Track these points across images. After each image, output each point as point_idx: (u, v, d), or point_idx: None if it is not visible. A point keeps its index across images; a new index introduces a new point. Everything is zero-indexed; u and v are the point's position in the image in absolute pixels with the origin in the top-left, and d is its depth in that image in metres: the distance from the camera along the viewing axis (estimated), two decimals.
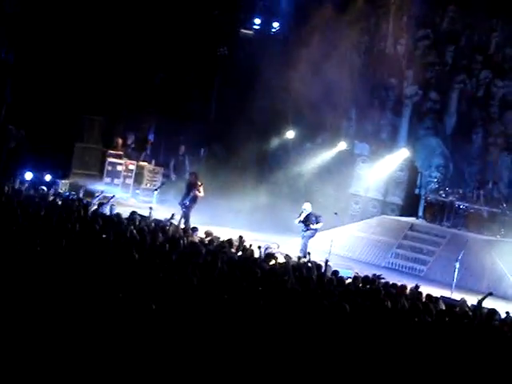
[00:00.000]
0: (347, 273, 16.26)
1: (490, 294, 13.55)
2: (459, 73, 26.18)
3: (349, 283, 13.87)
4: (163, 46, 25.73)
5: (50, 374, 7.13)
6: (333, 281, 13.47)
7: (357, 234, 23.33)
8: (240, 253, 15.12)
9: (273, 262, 14.81)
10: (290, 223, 21.19)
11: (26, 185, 18.61)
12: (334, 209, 22.42)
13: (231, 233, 17.43)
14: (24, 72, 23.38)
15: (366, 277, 14.41)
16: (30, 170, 20.60)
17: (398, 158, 25.61)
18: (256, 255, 14.87)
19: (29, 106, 23.34)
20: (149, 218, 16.95)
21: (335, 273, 14.74)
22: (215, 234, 16.73)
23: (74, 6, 23.87)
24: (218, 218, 21.47)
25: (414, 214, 24.87)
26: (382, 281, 14.39)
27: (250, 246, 15.80)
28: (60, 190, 20.90)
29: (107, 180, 24.93)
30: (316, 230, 19.86)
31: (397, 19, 27.20)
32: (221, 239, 15.95)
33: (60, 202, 16.88)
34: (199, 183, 20.61)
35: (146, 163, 26.11)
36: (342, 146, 26.47)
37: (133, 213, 16.58)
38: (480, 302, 12.73)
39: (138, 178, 25.66)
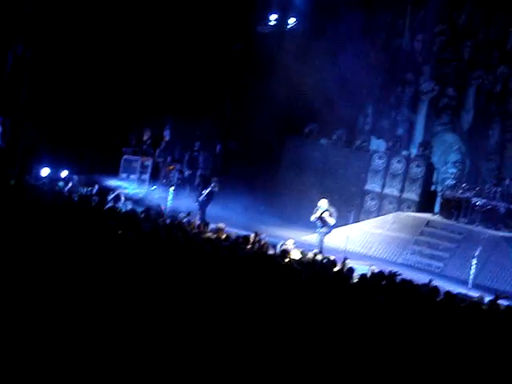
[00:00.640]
0: (363, 269, 16.19)
1: (507, 297, 13.50)
2: (476, 68, 26.05)
3: (365, 279, 13.79)
4: (179, 43, 25.74)
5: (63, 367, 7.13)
6: (349, 277, 13.42)
7: (373, 231, 23.25)
8: (256, 249, 15.09)
9: (288, 258, 14.79)
10: (305, 219, 21.16)
11: (43, 181, 18.64)
12: (349, 205, 22.39)
13: (246, 229, 17.40)
14: (41, 68, 23.45)
15: (382, 273, 14.34)
16: (46, 166, 20.64)
17: (414, 154, 25.51)
18: (271, 251, 14.85)
19: (45, 102, 23.42)
20: (164, 214, 16.96)
21: (351, 269, 14.69)
22: (227, 229, 16.69)
23: (91, 2, 23.91)
24: (232, 214, 21.47)
25: (431, 210, 24.75)
26: (399, 277, 14.32)
27: (266, 242, 15.78)
28: (76, 186, 20.94)
29: (123, 176, 25.01)
30: (331, 226, 19.80)
31: (414, 15, 27.10)
32: (234, 235, 15.92)
33: (76, 198, 16.92)
34: (214, 180, 20.67)
35: (161, 159, 26.17)
36: (359, 142, 26.38)
37: (148, 209, 16.59)
38: (496, 299, 12.65)
39: (154, 174, 25.73)
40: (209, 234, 15.52)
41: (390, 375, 8.34)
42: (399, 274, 14.51)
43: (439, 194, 25.05)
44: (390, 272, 14.35)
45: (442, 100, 26.61)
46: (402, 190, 25.20)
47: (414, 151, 25.90)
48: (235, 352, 8.00)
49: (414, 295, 12.41)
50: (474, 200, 23.37)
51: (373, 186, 25.67)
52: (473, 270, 18.39)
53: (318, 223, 19.77)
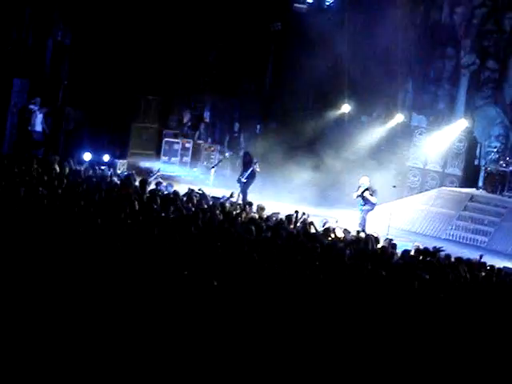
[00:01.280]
0: (407, 246, 16.12)
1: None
2: None
3: (409, 256, 13.74)
4: (217, 24, 25.70)
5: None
6: (393, 254, 13.38)
7: (416, 207, 23.13)
8: (298, 228, 15.09)
9: (331, 236, 14.78)
10: (347, 197, 21.11)
11: (85, 165, 18.79)
12: (392, 182, 22.25)
13: (288, 208, 17.40)
14: (81, 53, 23.59)
15: (426, 249, 14.27)
16: (88, 151, 20.81)
17: (456, 128, 25.25)
18: (314, 230, 14.85)
19: (86, 87, 23.56)
20: (206, 195, 17.00)
21: (394, 246, 14.65)
22: (268, 208, 16.70)
23: None
24: (274, 194, 21.47)
25: (474, 184, 24.53)
26: (443, 253, 14.25)
27: (309, 221, 15.77)
28: (118, 170, 21.10)
29: (164, 159, 25.15)
30: (374, 203, 19.70)
31: None
32: (277, 214, 15.92)
33: (118, 182, 17.03)
34: (255, 160, 20.68)
35: (202, 141, 26.26)
36: (399, 118, 26.18)
37: (190, 190, 16.65)
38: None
39: (195, 156, 25.85)
40: (251, 214, 15.54)
41: (441, 349, 8.32)
42: (443, 250, 14.45)
43: (483, 168, 24.81)
44: (434, 248, 14.29)
45: (483, 73, 26.28)
46: (444, 166, 24.99)
47: (455, 126, 25.61)
48: (282, 323, 8.04)
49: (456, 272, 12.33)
50: None
51: (415, 162, 25.49)
52: None
53: (360, 201, 19.69)
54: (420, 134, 25.51)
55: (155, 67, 24.83)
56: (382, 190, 20.63)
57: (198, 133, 26.50)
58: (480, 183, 24.52)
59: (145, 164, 22.98)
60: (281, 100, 27.27)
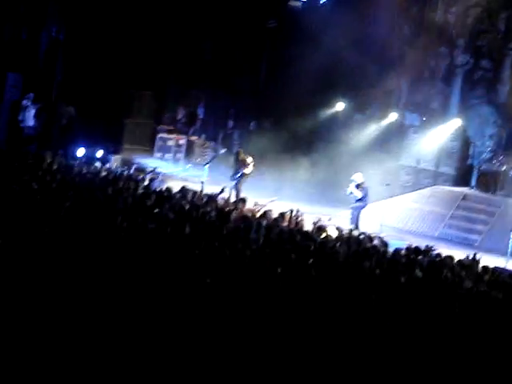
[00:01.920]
0: (399, 244, 16.15)
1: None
2: None
3: (401, 254, 13.76)
4: (212, 21, 25.68)
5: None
6: (386, 252, 13.40)
7: (409, 205, 23.15)
8: (292, 226, 15.11)
9: (324, 234, 14.79)
10: (340, 195, 21.14)
11: (78, 161, 18.77)
12: (385, 180, 22.28)
13: (282, 206, 17.40)
14: (75, 48, 23.55)
15: (418, 248, 14.30)
16: (82, 146, 20.78)
17: (449, 127, 25.28)
18: (307, 228, 14.87)
19: (79, 82, 23.53)
20: (200, 191, 17.01)
21: (386, 244, 14.66)
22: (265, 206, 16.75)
23: None
24: (267, 192, 21.46)
25: (467, 184, 24.57)
26: (435, 252, 14.28)
27: (302, 218, 15.79)
28: (112, 166, 21.08)
29: (158, 155, 25.14)
30: (365, 200, 19.77)
31: None
32: (270, 211, 15.93)
33: (112, 178, 17.00)
34: (248, 159, 20.71)
35: (195, 138, 26.23)
36: (393, 116, 26.21)
37: (183, 187, 16.65)
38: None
39: (189, 152, 25.83)
40: (244, 211, 15.56)
41: (432, 350, 8.33)
42: (435, 249, 14.48)
43: (476, 167, 24.85)
44: (426, 246, 14.32)
45: (476, 73, 26.29)
46: (437, 165, 25.01)
47: (448, 125, 25.65)
48: (277, 322, 8.05)
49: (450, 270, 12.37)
50: (511, 173, 23.16)
51: (408, 160, 25.50)
52: (511, 243, 18.23)
53: (353, 198, 19.77)
54: (413, 132, 25.51)
55: (149, 63, 24.81)
56: (375, 189, 20.66)
57: (191, 129, 26.48)
58: (473, 182, 24.55)
59: (138, 160, 22.96)
60: (275, 97, 27.26)
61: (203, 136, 26.66)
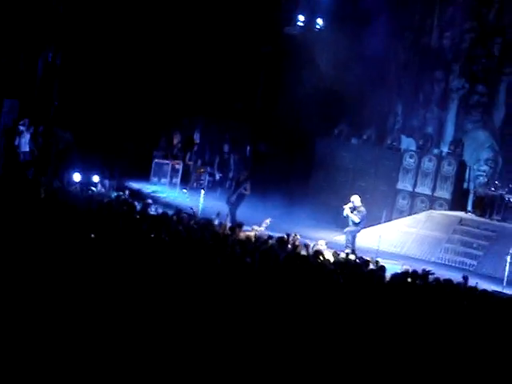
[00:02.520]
0: (395, 268, 16.11)
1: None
2: (507, 65, 25.82)
3: (398, 279, 13.71)
4: (208, 45, 25.78)
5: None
6: (382, 276, 13.35)
7: (405, 230, 23.15)
8: (289, 250, 15.07)
9: (321, 258, 14.74)
10: (336, 220, 21.12)
11: (74, 186, 18.75)
12: (381, 205, 22.29)
13: (278, 230, 17.38)
14: (71, 74, 23.60)
15: (415, 272, 14.26)
16: (78, 171, 20.77)
17: (445, 152, 25.37)
18: (304, 252, 14.83)
19: (76, 107, 23.56)
20: (195, 216, 16.99)
21: (383, 268, 14.61)
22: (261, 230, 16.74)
23: (120, 7, 24.02)
24: (263, 216, 21.44)
25: (464, 208, 24.61)
26: (432, 276, 14.24)
27: (299, 243, 15.77)
28: (108, 191, 21.05)
29: (154, 180, 25.13)
30: (360, 224, 19.72)
31: (442, 12, 26.93)
32: (266, 236, 15.91)
33: (107, 203, 16.97)
34: (245, 184, 20.74)
35: (191, 163, 26.26)
36: (389, 141, 26.27)
37: (179, 211, 16.63)
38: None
39: (185, 177, 25.84)
40: (240, 236, 15.52)
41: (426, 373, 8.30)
42: (432, 273, 14.44)
43: (472, 191, 24.90)
44: (423, 270, 14.28)
45: (472, 97, 26.41)
46: (433, 189, 25.05)
47: (444, 149, 25.73)
48: (266, 351, 8.01)
49: (450, 294, 12.33)
50: (507, 197, 23.20)
51: (404, 184, 25.54)
52: (507, 268, 18.23)
53: (350, 221, 19.72)
54: (409, 157, 25.59)
55: (145, 88, 24.87)
56: (371, 213, 20.65)
57: (188, 154, 26.50)
58: (469, 207, 24.60)
59: (134, 185, 22.93)
60: (271, 122, 27.33)
61: (199, 161, 26.68)
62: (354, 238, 19.74)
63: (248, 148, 27.94)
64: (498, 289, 16.81)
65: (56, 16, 23.19)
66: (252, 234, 16.37)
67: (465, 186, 25.45)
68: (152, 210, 17.01)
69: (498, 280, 18.71)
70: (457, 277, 15.12)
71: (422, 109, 27.12)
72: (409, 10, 27.02)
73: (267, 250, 13.50)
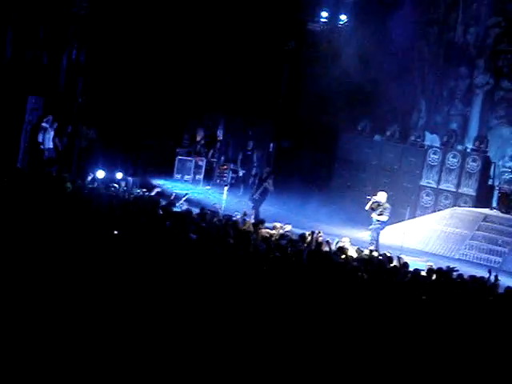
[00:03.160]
0: (419, 265, 16.05)
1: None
2: None
3: (423, 276, 13.67)
4: (231, 42, 25.79)
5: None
6: (406, 273, 13.31)
7: (429, 227, 23.04)
8: (312, 247, 15.04)
9: (345, 255, 14.72)
10: (359, 216, 21.05)
11: (98, 183, 18.82)
12: (405, 202, 22.20)
13: (301, 227, 17.37)
14: (95, 71, 23.69)
15: (440, 269, 14.19)
16: (101, 169, 20.84)
17: (469, 148, 25.22)
18: (327, 249, 14.80)
19: (100, 105, 23.65)
20: (218, 213, 17.02)
21: (406, 265, 14.56)
22: (283, 227, 16.73)
23: (143, 6, 24.08)
24: (287, 213, 21.45)
25: (488, 204, 24.45)
26: (456, 273, 14.17)
27: (322, 240, 15.74)
28: (131, 188, 21.12)
29: (177, 177, 25.18)
30: (383, 222, 19.62)
31: (466, 8, 26.76)
32: (289, 232, 15.92)
33: (131, 200, 17.04)
34: (269, 178, 20.74)
35: (215, 159, 26.29)
36: (412, 137, 26.14)
37: (202, 209, 16.66)
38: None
39: (208, 174, 25.89)
40: (263, 233, 15.52)
41: (446, 370, 8.26)
42: (457, 270, 14.37)
43: (496, 188, 24.74)
44: (447, 267, 14.22)
45: (497, 93, 26.24)
46: (458, 185, 24.91)
47: (469, 146, 25.58)
48: (294, 347, 8.00)
49: (472, 291, 12.27)
50: None
51: (428, 181, 25.41)
52: None
53: (373, 218, 19.64)
54: (433, 153, 25.45)
55: (169, 85, 24.90)
56: (395, 210, 20.57)
57: (211, 151, 26.52)
58: (494, 203, 24.45)
59: (157, 182, 22.99)
60: (294, 118, 27.29)
61: (222, 157, 26.71)
62: (378, 234, 19.67)
63: (271, 144, 27.91)
64: None
65: (80, 13, 23.28)
66: (274, 231, 16.37)
67: (489, 182, 25.29)
68: (176, 207, 17.04)
69: None
70: (481, 274, 15.04)
71: (446, 105, 26.97)
72: (433, 5, 26.88)
73: (289, 247, 13.50)
